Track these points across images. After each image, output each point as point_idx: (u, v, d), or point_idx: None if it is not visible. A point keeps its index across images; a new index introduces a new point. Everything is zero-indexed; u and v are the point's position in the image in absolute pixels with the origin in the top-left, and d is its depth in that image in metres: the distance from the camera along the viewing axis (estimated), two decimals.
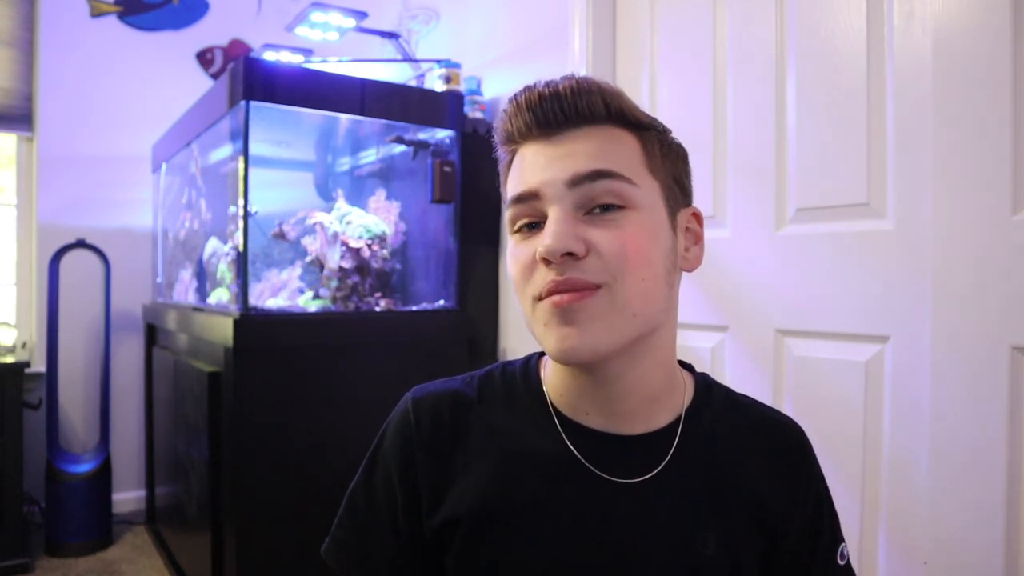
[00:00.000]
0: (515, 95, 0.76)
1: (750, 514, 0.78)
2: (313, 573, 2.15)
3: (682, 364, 0.86)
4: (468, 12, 2.80)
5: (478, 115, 2.58)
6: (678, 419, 0.79)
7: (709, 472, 0.78)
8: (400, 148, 2.66)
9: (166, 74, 3.73)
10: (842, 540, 0.85)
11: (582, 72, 2.17)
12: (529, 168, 0.73)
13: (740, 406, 0.85)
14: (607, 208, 0.70)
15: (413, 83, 2.87)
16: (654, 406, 0.78)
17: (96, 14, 3.61)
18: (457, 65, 2.63)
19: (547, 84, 0.74)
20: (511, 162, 0.77)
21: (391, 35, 3.08)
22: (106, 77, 3.61)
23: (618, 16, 2.21)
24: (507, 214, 0.75)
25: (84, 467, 3.18)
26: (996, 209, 1.34)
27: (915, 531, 1.45)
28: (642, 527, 0.75)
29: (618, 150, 0.72)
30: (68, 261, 3.36)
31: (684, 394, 0.82)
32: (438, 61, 2.67)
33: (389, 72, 3.21)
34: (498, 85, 2.62)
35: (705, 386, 0.85)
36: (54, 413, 3.21)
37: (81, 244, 3.36)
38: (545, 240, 0.68)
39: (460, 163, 2.51)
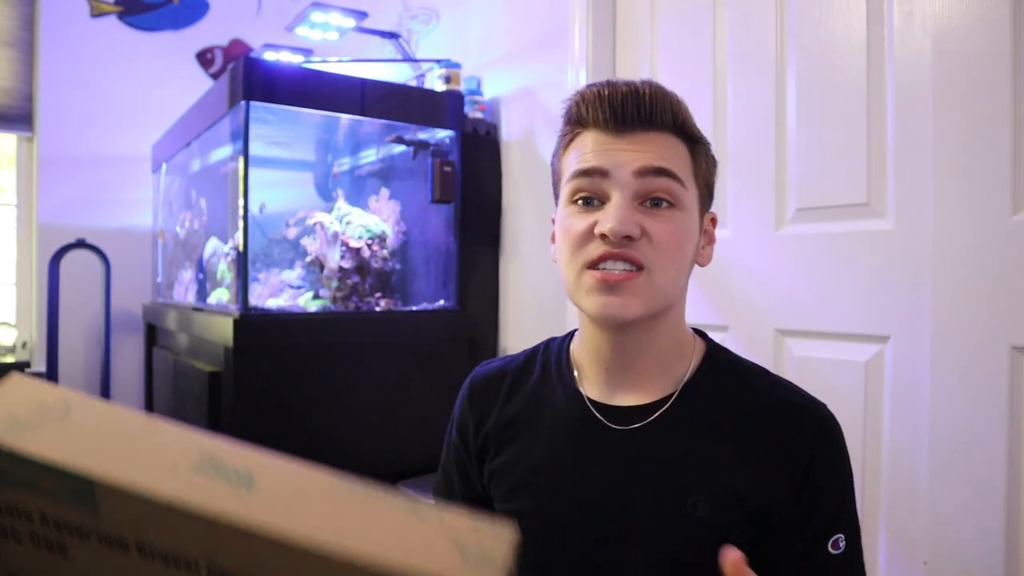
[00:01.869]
0: (595, 86, 0.85)
1: (738, 487, 0.82)
2: None
3: (698, 333, 0.95)
4: (468, 12, 2.80)
5: (478, 115, 2.57)
6: (681, 386, 0.89)
7: (703, 438, 0.85)
8: (400, 148, 2.66)
9: (166, 74, 3.73)
10: (839, 531, 0.84)
11: (583, 73, 2.17)
12: (597, 150, 0.83)
13: (749, 385, 0.89)
14: (658, 203, 0.82)
15: (413, 83, 2.86)
16: (663, 370, 0.89)
17: (96, 14, 3.61)
18: (457, 65, 2.63)
19: (627, 84, 0.83)
20: (571, 141, 0.87)
21: (391, 35, 3.08)
22: (106, 77, 3.61)
23: (618, 16, 2.21)
24: (567, 186, 0.85)
25: None
26: (996, 209, 1.34)
27: (915, 531, 1.45)
28: (637, 479, 0.84)
29: (676, 156, 0.83)
30: (68, 261, 3.36)
31: (690, 363, 0.90)
32: (438, 61, 2.66)
33: (389, 72, 3.20)
34: (498, 85, 2.62)
35: (713, 357, 0.91)
36: None
37: (81, 244, 3.36)
38: (609, 222, 0.79)
39: (460, 163, 2.50)
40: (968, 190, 1.37)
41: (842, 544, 0.84)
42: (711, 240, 0.92)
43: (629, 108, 0.82)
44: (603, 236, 0.80)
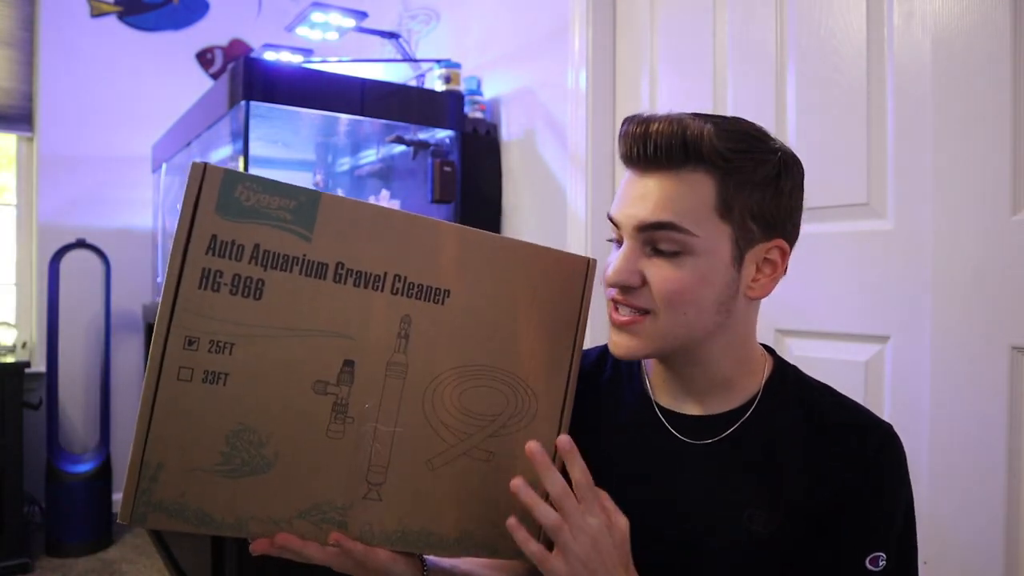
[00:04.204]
0: (625, 121, 0.83)
1: (795, 503, 0.83)
2: (313, 572, 2.15)
3: (768, 350, 0.95)
4: (468, 12, 2.80)
5: (478, 115, 2.58)
6: (749, 402, 0.89)
7: (764, 455, 0.86)
8: (400, 148, 2.66)
9: (166, 74, 3.73)
10: (883, 551, 0.81)
11: (583, 74, 2.18)
12: (620, 198, 0.84)
13: (815, 403, 0.89)
14: (664, 250, 0.81)
15: (413, 83, 2.87)
16: (727, 387, 0.89)
17: (96, 14, 3.61)
18: (457, 65, 2.63)
19: (641, 122, 0.81)
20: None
21: (391, 35, 3.08)
22: (106, 77, 3.61)
23: (618, 16, 2.21)
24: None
25: (84, 467, 3.18)
26: (996, 209, 1.34)
27: None
28: (697, 490, 0.86)
29: (688, 197, 0.79)
30: (68, 261, 3.36)
31: (759, 380, 0.90)
32: (438, 61, 2.67)
33: (389, 72, 3.21)
34: (498, 85, 2.63)
35: (780, 376, 0.92)
36: (54, 413, 3.21)
37: (81, 244, 3.36)
38: (607, 271, 0.83)
39: (460, 163, 2.51)
40: (968, 190, 1.37)
41: (882, 563, 0.81)
42: (775, 269, 0.85)
43: (638, 147, 0.81)
44: None
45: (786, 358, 1.66)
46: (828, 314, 1.61)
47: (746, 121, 0.84)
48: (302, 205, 0.74)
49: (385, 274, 0.78)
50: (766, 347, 0.95)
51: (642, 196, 0.81)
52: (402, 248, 0.79)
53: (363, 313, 0.78)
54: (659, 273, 0.81)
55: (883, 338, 1.51)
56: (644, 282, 0.81)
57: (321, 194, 0.75)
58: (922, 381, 1.44)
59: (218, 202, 0.71)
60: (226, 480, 0.75)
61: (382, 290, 0.78)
